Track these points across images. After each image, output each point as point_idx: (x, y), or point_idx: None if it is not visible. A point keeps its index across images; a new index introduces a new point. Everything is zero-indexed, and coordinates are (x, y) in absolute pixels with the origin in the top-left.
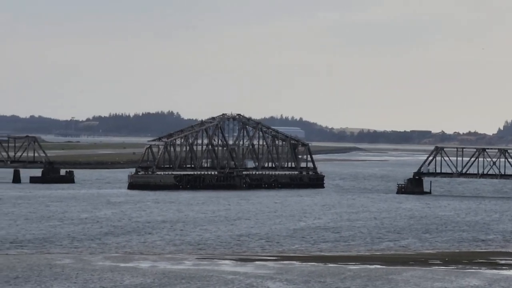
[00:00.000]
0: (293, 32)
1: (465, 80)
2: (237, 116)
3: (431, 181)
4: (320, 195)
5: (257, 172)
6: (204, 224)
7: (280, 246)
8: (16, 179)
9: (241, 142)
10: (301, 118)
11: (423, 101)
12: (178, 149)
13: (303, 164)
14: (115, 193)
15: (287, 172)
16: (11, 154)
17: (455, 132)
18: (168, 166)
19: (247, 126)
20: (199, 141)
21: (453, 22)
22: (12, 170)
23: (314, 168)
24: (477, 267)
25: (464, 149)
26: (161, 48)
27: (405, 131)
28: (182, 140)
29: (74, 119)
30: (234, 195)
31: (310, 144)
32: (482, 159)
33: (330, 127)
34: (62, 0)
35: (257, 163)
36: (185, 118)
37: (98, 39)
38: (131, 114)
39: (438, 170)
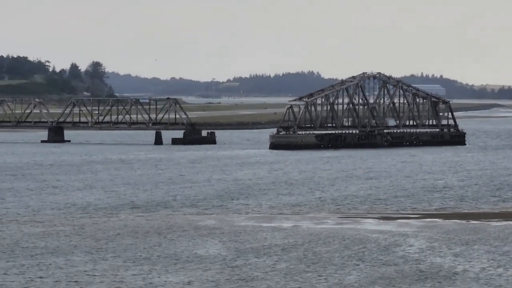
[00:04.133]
0: None
1: None
2: (378, 75)
3: None
4: (462, 152)
5: (398, 130)
6: (344, 183)
7: (422, 204)
8: (158, 141)
9: (381, 101)
10: (441, 76)
11: None
12: (319, 108)
13: (444, 122)
14: (256, 153)
15: (428, 130)
16: (153, 116)
17: None
18: (309, 125)
19: (387, 85)
20: (340, 100)
21: None
22: (154, 132)
23: (455, 125)
24: None
25: None
26: (299, 7)
27: None
28: (323, 100)
29: (215, 80)
30: (375, 153)
31: (451, 102)
32: None
33: (470, 84)
34: None
35: (398, 121)
36: (326, 77)
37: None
38: (272, 75)
39: None
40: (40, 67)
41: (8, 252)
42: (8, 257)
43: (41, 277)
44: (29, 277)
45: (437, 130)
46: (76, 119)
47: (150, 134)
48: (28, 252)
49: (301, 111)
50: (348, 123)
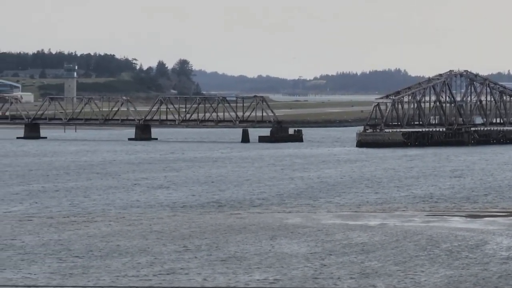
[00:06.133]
0: None
1: None
2: (464, 73)
3: None
4: None
5: (485, 128)
6: (431, 180)
7: (509, 202)
8: (245, 138)
9: (468, 99)
10: None
11: None
12: (405, 106)
13: None
14: (343, 151)
15: None
16: (240, 114)
17: None
18: (396, 123)
19: (474, 82)
20: (427, 98)
21: None
22: (240, 130)
23: None
24: None
25: None
26: (390, 7)
27: None
28: (410, 97)
29: (302, 78)
30: (462, 151)
31: None
32: None
33: None
34: None
35: (485, 119)
36: (412, 75)
37: None
38: (358, 72)
39: None
40: (127, 65)
41: (98, 250)
42: (98, 255)
43: (132, 276)
44: (118, 275)
45: None
46: (163, 117)
47: (237, 132)
48: (117, 250)
49: (388, 109)
50: (435, 121)
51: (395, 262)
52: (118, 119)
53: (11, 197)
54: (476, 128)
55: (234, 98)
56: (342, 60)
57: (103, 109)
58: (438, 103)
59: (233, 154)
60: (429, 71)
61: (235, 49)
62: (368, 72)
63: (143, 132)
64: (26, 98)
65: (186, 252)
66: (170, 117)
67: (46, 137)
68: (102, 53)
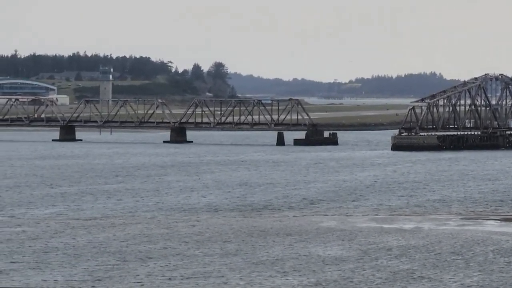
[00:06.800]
0: None
1: None
2: (500, 76)
3: None
4: None
5: None
6: (466, 184)
7: None
8: (280, 141)
9: (504, 102)
10: None
11: None
12: (441, 109)
13: None
14: (378, 154)
15: None
16: (275, 117)
17: None
18: (431, 127)
19: (509, 86)
20: (462, 102)
21: None
22: (276, 133)
23: None
24: None
25: None
26: (425, 9)
27: None
28: (445, 101)
29: (337, 81)
30: (497, 155)
31: None
32: None
33: None
34: None
35: None
36: (448, 78)
37: None
38: (394, 76)
39: None
40: (162, 67)
41: (134, 253)
42: (134, 258)
43: (167, 278)
44: (154, 278)
45: None
46: (199, 120)
47: (272, 135)
48: (153, 253)
49: (423, 112)
50: (470, 124)
51: (430, 265)
52: (153, 122)
53: (46, 199)
54: (511, 132)
55: (270, 101)
56: (377, 63)
57: (139, 112)
58: (473, 107)
59: (268, 157)
60: (464, 75)
61: (271, 52)
62: (403, 76)
63: (178, 135)
64: (61, 101)
65: (222, 255)
66: (205, 120)
67: (81, 140)
68: (137, 56)
